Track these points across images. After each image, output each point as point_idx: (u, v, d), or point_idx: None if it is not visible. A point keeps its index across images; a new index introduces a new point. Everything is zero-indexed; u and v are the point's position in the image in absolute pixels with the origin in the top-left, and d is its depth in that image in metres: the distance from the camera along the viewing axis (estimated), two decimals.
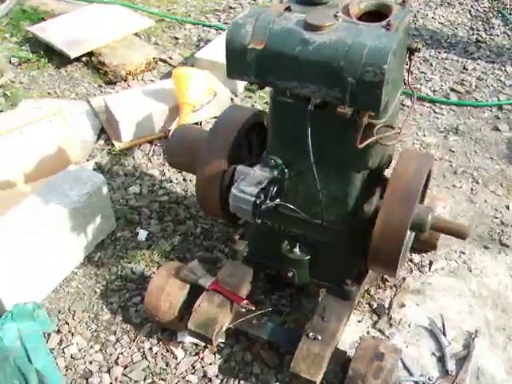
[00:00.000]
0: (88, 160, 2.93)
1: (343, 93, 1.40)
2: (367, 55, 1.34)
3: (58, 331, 2.22)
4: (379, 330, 2.18)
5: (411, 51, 1.80)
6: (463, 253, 2.46)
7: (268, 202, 1.82)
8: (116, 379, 2.06)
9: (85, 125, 3.05)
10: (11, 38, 3.88)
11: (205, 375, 2.07)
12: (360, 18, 1.59)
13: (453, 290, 2.32)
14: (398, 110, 1.79)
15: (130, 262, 2.45)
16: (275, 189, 1.84)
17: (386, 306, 2.26)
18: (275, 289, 2.30)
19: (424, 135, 3.07)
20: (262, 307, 2.17)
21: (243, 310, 2.05)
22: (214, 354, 2.13)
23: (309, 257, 1.99)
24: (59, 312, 2.28)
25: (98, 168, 2.89)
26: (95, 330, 2.22)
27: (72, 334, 2.21)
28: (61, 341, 2.19)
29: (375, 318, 2.22)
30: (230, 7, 4.35)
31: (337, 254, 1.98)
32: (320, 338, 1.88)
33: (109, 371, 2.09)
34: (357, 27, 1.46)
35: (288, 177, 1.88)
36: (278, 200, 1.85)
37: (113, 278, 2.39)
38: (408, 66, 1.80)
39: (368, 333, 2.17)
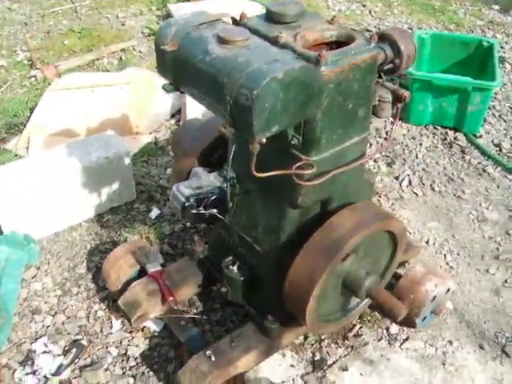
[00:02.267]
0: (151, 133, 3.11)
1: (225, 111, 1.36)
2: (245, 76, 1.29)
3: (38, 268, 2.43)
4: (305, 383, 2.06)
5: (397, 99, 1.69)
6: (450, 342, 2.20)
7: (201, 208, 1.82)
8: (54, 324, 2.21)
9: (164, 101, 3.23)
10: (156, 11, 4.24)
11: (125, 353, 2.12)
12: (320, 46, 1.53)
13: (408, 378, 2.09)
14: (354, 154, 1.66)
15: (128, 233, 2.58)
16: (213, 198, 1.83)
17: (329, 362, 2.11)
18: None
19: (487, 208, 2.76)
20: (201, 314, 2.18)
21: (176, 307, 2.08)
22: (145, 339, 2.18)
23: (242, 278, 1.94)
24: (49, 252, 2.50)
25: (155, 143, 3.06)
26: (65, 278, 2.39)
27: (46, 274, 2.41)
28: (35, 275, 2.40)
29: (309, 369, 2.09)
30: None
31: (267, 285, 1.91)
32: (213, 359, 1.84)
33: (54, 315, 2.24)
34: (267, 49, 1.41)
35: (237, 193, 1.86)
36: (214, 210, 1.84)
37: (107, 241, 2.54)
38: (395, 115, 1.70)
39: (293, 380, 2.06)
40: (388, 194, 2.82)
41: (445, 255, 2.52)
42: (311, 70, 1.36)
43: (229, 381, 1.86)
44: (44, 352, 2.10)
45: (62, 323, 2.22)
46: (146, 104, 3.09)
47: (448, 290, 2.18)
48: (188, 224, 2.57)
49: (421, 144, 3.13)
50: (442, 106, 3.13)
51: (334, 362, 2.11)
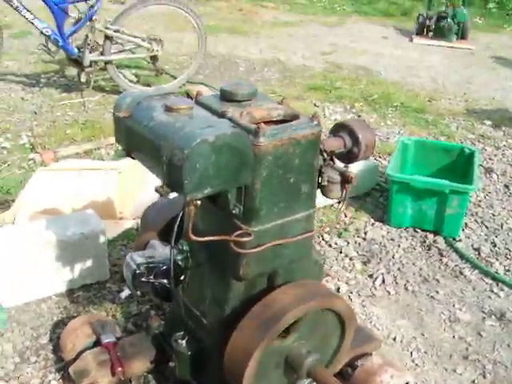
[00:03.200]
0: (134, 219, 3.19)
1: (162, 172, 1.44)
2: (179, 138, 1.38)
3: (2, 334, 2.44)
4: None
5: (345, 180, 1.76)
6: None
7: (151, 277, 1.85)
8: None
9: (151, 192, 3.32)
10: None
11: None
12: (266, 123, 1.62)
13: None
14: (298, 229, 1.71)
15: (96, 309, 2.59)
16: (164, 268, 1.86)
17: None
18: None
19: (460, 309, 2.72)
20: None
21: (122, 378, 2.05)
22: None
23: (190, 353, 1.93)
24: (16, 320, 2.51)
25: (136, 229, 3.13)
26: (26, 347, 2.38)
27: (8, 341, 2.40)
28: None
29: None
30: None
31: (212, 360, 1.89)
32: None
33: (7, 381, 2.22)
34: (208, 118, 1.51)
35: (190, 266, 1.90)
36: (164, 280, 1.87)
37: (73, 315, 2.53)
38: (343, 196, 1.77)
39: None
40: (360, 291, 2.81)
41: (411, 352, 2.47)
42: (244, 138, 1.44)
43: None
44: None
45: None
46: (132, 191, 3.20)
47: None
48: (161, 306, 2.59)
49: (399, 245, 3.16)
50: (421, 209, 3.18)
51: None
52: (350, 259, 3.04)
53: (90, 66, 4.46)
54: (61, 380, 2.24)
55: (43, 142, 3.93)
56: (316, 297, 1.74)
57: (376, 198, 3.59)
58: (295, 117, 1.65)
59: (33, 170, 3.52)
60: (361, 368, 2.11)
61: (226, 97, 1.67)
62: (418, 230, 3.28)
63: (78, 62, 4.46)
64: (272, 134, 1.51)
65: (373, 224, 3.34)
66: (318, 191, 1.79)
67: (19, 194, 3.13)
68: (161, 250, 1.93)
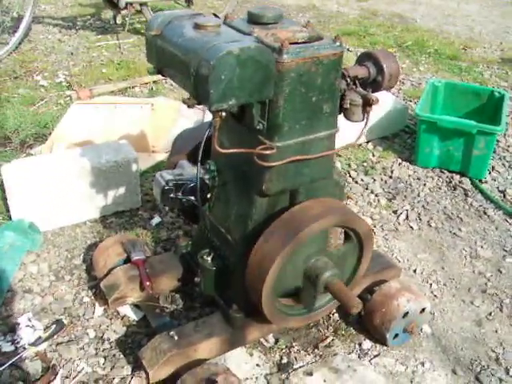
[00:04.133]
0: (166, 152, 3.29)
1: (190, 84, 1.51)
2: (206, 51, 1.44)
3: (38, 255, 2.59)
4: (267, 382, 2.09)
5: (367, 103, 1.81)
6: (423, 364, 2.19)
7: (179, 194, 1.95)
8: (41, 304, 2.33)
9: (184, 126, 3.41)
10: None
11: (102, 336, 2.21)
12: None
13: None
14: (319, 148, 1.76)
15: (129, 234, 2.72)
16: (191, 185, 1.95)
17: (295, 367, 2.15)
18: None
19: (482, 246, 2.77)
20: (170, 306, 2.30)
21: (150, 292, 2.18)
22: (123, 326, 2.27)
23: (214, 268, 2.03)
24: (51, 243, 2.65)
25: None
26: (61, 266, 2.53)
27: (44, 260, 2.56)
28: (33, 260, 2.54)
29: (274, 370, 2.13)
30: None
31: (235, 275, 1.99)
32: (176, 338, 1.92)
33: (43, 296, 2.38)
34: (234, 34, 1.57)
35: (216, 185, 1.99)
36: (191, 197, 1.96)
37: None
38: (365, 119, 1.82)
39: (256, 378, 2.10)
40: (384, 226, 2.88)
41: (431, 284, 2.54)
42: (267, 53, 1.50)
43: (192, 365, 1.92)
44: (27, 326, 2.22)
45: (49, 304, 2.34)
46: (165, 126, 3.29)
47: (423, 310, 2.20)
48: (190, 233, 2.70)
49: (424, 184, 3.20)
50: (448, 150, 3.20)
51: (299, 367, 2.14)
52: (376, 195, 3.10)
53: (126, 7, 4.51)
54: (92, 296, 2.37)
55: (79, 81, 4.03)
56: (337, 212, 1.81)
57: (404, 140, 3.62)
58: (319, 39, 1.68)
59: (69, 107, 3.63)
60: (378, 291, 2.19)
61: (253, 19, 1.71)
62: (445, 171, 3.30)
63: (113, 4, 4.51)
64: (295, 52, 1.56)
65: (400, 164, 3.38)
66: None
67: (55, 127, 3.25)
68: (189, 170, 2.02)
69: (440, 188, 3.18)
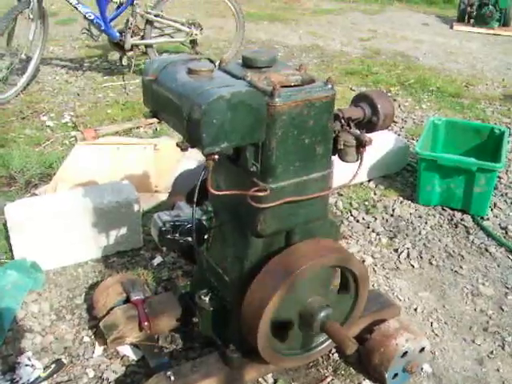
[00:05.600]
0: (169, 192, 3.32)
1: (183, 127, 1.55)
2: (198, 95, 1.48)
3: (40, 294, 2.60)
4: None
5: (361, 143, 1.83)
6: None
7: (177, 235, 1.97)
8: (42, 343, 2.33)
9: (186, 167, 3.46)
10: None
11: (101, 376, 2.21)
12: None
13: None
14: (314, 189, 1.78)
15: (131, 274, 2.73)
16: (188, 226, 1.97)
17: None
18: None
19: (484, 284, 2.76)
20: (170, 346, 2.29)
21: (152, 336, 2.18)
22: (122, 366, 2.27)
23: (212, 309, 2.04)
24: (53, 282, 2.67)
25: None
26: (62, 306, 2.53)
27: (45, 300, 2.57)
28: (35, 300, 2.55)
29: None
30: None
31: (232, 315, 1.99)
32: (172, 379, 1.91)
33: (43, 336, 2.38)
34: (227, 79, 1.61)
35: (213, 226, 2.01)
36: (189, 238, 1.98)
37: None
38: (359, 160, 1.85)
39: None
40: (385, 264, 2.87)
41: (431, 323, 2.53)
42: (258, 96, 1.54)
43: None
44: (26, 365, 2.22)
45: (50, 343, 2.34)
46: (168, 166, 3.33)
47: (422, 349, 2.18)
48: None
49: (426, 222, 3.20)
50: (449, 188, 3.21)
51: None
52: (377, 234, 3.10)
53: (131, 49, 4.62)
54: (92, 336, 2.38)
55: (85, 122, 4.11)
56: (332, 253, 1.82)
57: (406, 178, 3.64)
58: (311, 81, 1.72)
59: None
60: (377, 331, 2.18)
61: (247, 63, 1.75)
62: (446, 209, 3.31)
63: (119, 46, 4.62)
64: (287, 95, 1.60)
65: (401, 202, 3.39)
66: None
67: (60, 167, 3.30)
68: (187, 211, 2.04)
69: (441, 226, 3.19)
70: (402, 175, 3.66)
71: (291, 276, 1.72)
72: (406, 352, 2.12)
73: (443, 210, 3.31)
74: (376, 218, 3.23)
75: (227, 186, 1.87)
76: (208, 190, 1.65)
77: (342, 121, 1.90)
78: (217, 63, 1.79)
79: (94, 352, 2.31)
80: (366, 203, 3.37)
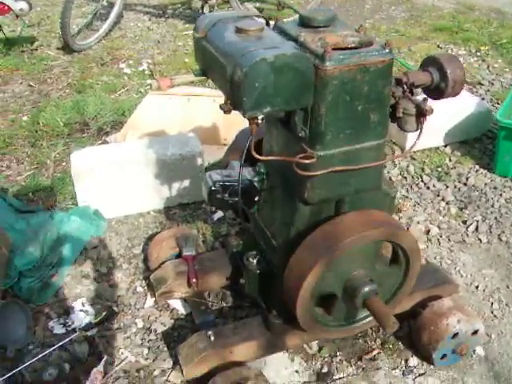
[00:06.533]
0: None
1: (227, 90, 1.50)
2: (241, 57, 1.41)
3: (101, 241, 2.68)
4: None
5: (421, 113, 1.72)
6: None
7: (226, 195, 1.94)
8: (97, 290, 2.43)
9: None
10: None
11: (149, 327, 2.27)
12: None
13: None
14: (366, 159, 1.69)
15: (189, 227, 2.74)
16: (237, 188, 1.93)
17: (335, 377, 2.10)
18: None
19: None
20: (219, 303, 2.32)
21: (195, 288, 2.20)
22: (171, 319, 2.31)
23: (258, 271, 2.02)
24: (114, 230, 2.75)
25: None
26: (120, 254, 2.62)
27: (105, 247, 2.65)
28: (96, 247, 2.64)
29: (313, 379, 2.10)
30: None
31: (278, 280, 1.97)
32: (212, 338, 1.93)
33: (99, 282, 2.47)
34: (276, 39, 1.53)
35: (265, 188, 1.97)
36: (236, 199, 1.95)
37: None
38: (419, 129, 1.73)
39: None
40: (450, 236, 2.74)
41: (492, 303, 2.40)
42: (305, 60, 1.45)
43: (227, 366, 1.92)
44: (80, 310, 2.31)
45: (104, 290, 2.43)
46: (238, 119, 3.27)
47: (475, 332, 2.08)
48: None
49: (501, 195, 3.01)
50: None
51: (339, 378, 2.10)
52: (447, 203, 2.96)
53: None
54: (146, 287, 2.43)
55: (162, 70, 4.12)
56: (380, 226, 1.74)
57: (485, 145, 3.42)
58: (369, 44, 1.61)
59: None
60: (429, 308, 2.10)
61: (303, 22, 1.66)
62: None
63: None
64: (339, 58, 1.50)
65: (477, 171, 3.20)
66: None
67: (131, 116, 3.34)
68: (238, 170, 2.00)
69: None
70: (481, 142, 3.45)
71: (333, 249, 1.66)
72: (457, 333, 2.03)
73: None
74: (447, 186, 3.07)
75: (278, 149, 1.81)
76: (252, 154, 1.59)
77: (405, 86, 1.78)
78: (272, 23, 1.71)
79: (145, 303, 2.37)
80: (439, 169, 3.21)
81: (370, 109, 1.62)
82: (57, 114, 3.58)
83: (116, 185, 2.73)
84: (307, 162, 1.60)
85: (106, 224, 2.74)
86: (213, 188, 1.92)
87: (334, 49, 1.53)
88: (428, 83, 1.85)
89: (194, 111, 3.27)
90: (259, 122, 1.51)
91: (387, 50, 1.57)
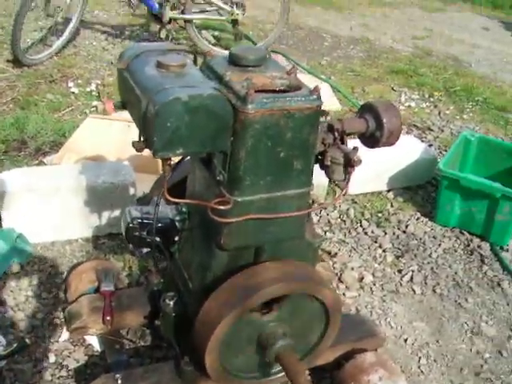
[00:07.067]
0: None
1: (139, 127, 1.42)
2: (155, 93, 1.34)
3: (22, 267, 2.54)
4: None
5: (349, 162, 1.66)
6: None
7: (144, 233, 1.85)
8: (11, 318, 2.29)
9: None
10: None
11: (61, 363, 2.14)
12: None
13: None
14: (288, 207, 1.62)
15: (116, 259, 2.63)
16: (158, 226, 1.85)
17: None
18: None
19: (486, 322, 2.54)
20: (137, 341, 2.20)
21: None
22: (85, 355, 2.19)
23: (174, 314, 1.92)
24: (38, 256, 2.61)
25: None
26: (41, 283, 2.48)
27: (26, 274, 2.52)
28: (16, 273, 2.50)
29: None
30: None
31: (192, 325, 1.88)
32: (120, 382, 1.81)
33: (15, 311, 2.33)
34: (197, 78, 1.46)
35: (185, 228, 1.89)
36: (157, 238, 1.86)
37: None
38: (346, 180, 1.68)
39: None
40: (384, 285, 2.69)
41: (420, 358, 2.35)
42: (223, 102, 1.39)
43: None
44: None
45: (20, 320, 2.29)
46: None
47: None
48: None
49: (439, 245, 2.98)
50: (470, 211, 2.99)
51: None
52: (383, 250, 2.92)
53: (170, 22, 4.50)
54: (64, 319, 2.30)
55: (110, 92, 4.03)
56: (299, 279, 1.67)
57: (429, 193, 3.41)
58: (298, 88, 1.55)
59: None
60: (352, 362, 2.03)
61: (232, 60, 1.60)
62: (465, 232, 3.08)
63: (158, 18, 4.50)
64: (261, 102, 1.43)
65: (418, 218, 3.18)
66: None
67: (69, 138, 3.23)
68: (162, 209, 1.92)
69: (456, 250, 2.97)
70: (425, 189, 3.44)
71: (245, 301, 1.58)
72: None
73: (461, 233, 3.09)
74: (386, 233, 3.04)
75: (199, 190, 1.74)
76: (164, 195, 1.51)
77: (336, 133, 1.73)
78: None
79: (60, 336, 2.24)
80: (380, 215, 3.18)
81: (293, 156, 1.55)
82: None
83: (44, 210, 2.61)
84: (222, 207, 1.52)
85: (30, 249, 2.60)
86: (130, 225, 1.83)
87: (259, 91, 1.47)
88: (363, 131, 1.81)
89: (133, 138, 3.16)
90: (172, 163, 1.42)
91: (315, 96, 1.51)
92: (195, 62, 1.64)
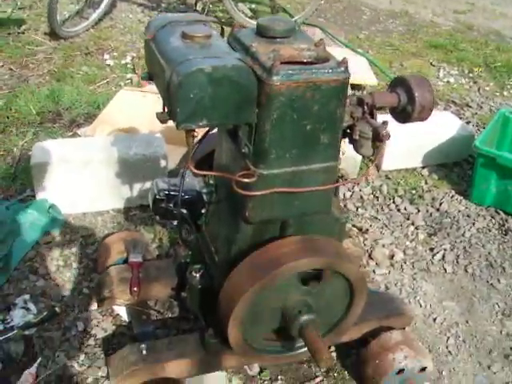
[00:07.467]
0: None
1: (165, 98, 1.41)
2: (179, 64, 1.33)
3: (54, 237, 2.59)
4: None
5: (377, 137, 1.62)
6: None
7: (170, 205, 1.86)
8: (42, 287, 2.34)
9: None
10: None
11: (90, 331, 2.19)
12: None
13: None
14: (313, 181, 1.60)
15: (146, 230, 2.66)
16: (185, 198, 1.85)
17: None
18: None
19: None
20: (164, 313, 2.23)
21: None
22: (113, 325, 2.22)
23: (200, 287, 1.93)
24: (70, 227, 2.66)
25: None
26: (72, 253, 2.53)
27: (58, 244, 2.56)
28: (48, 242, 2.56)
29: None
30: None
31: (217, 298, 1.88)
32: (144, 352, 1.84)
33: (46, 280, 2.38)
34: (221, 49, 1.44)
35: (213, 201, 1.88)
36: (183, 210, 1.86)
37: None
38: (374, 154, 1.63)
39: None
40: (415, 263, 2.65)
41: (448, 338, 2.31)
42: (247, 73, 1.36)
43: (158, 381, 1.84)
44: (22, 307, 2.22)
45: (50, 289, 2.34)
46: None
47: (423, 369, 2.00)
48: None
49: (473, 223, 2.92)
50: (506, 189, 2.91)
51: None
52: (416, 228, 2.87)
53: None
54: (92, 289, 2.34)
55: (144, 64, 4.02)
56: (322, 254, 1.65)
57: (464, 170, 3.33)
58: (325, 60, 1.51)
59: None
60: (377, 340, 2.01)
61: (260, 32, 1.57)
62: (500, 212, 3.00)
63: None
64: (287, 73, 1.40)
65: (452, 196, 3.11)
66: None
67: (103, 110, 3.25)
68: (189, 180, 1.92)
69: (490, 230, 2.90)
70: (460, 166, 3.36)
71: (267, 275, 1.57)
72: (403, 369, 1.94)
73: (496, 212, 3.01)
74: (419, 210, 2.98)
75: (226, 163, 1.73)
76: (189, 167, 1.50)
77: (365, 107, 1.69)
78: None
79: (89, 306, 2.28)
80: (413, 192, 3.12)
81: (319, 129, 1.52)
82: (31, 101, 3.48)
83: (76, 181, 2.64)
84: (247, 180, 1.50)
85: (62, 220, 2.65)
86: (157, 197, 1.84)
87: (285, 62, 1.44)
88: (394, 105, 1.76)
89: None
90: (195, 134, 1.41)
91: (342, 69, 1.47)
92: (222, 33, 1.61)
